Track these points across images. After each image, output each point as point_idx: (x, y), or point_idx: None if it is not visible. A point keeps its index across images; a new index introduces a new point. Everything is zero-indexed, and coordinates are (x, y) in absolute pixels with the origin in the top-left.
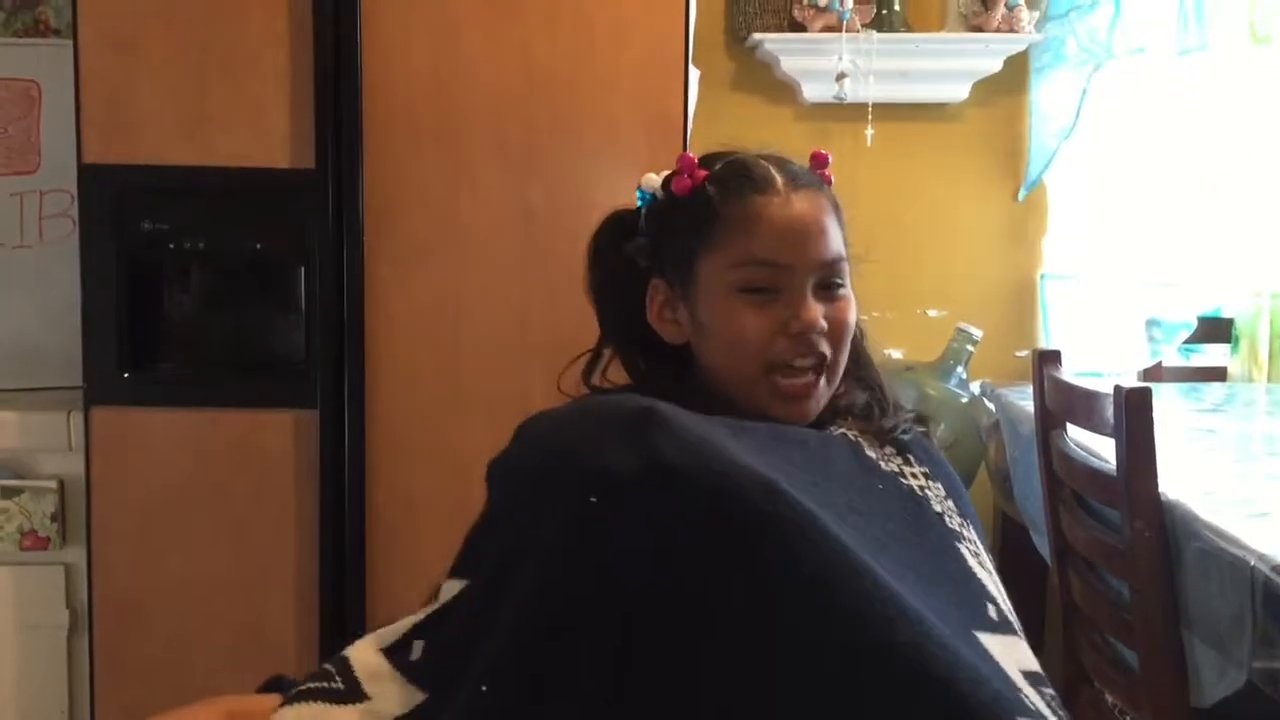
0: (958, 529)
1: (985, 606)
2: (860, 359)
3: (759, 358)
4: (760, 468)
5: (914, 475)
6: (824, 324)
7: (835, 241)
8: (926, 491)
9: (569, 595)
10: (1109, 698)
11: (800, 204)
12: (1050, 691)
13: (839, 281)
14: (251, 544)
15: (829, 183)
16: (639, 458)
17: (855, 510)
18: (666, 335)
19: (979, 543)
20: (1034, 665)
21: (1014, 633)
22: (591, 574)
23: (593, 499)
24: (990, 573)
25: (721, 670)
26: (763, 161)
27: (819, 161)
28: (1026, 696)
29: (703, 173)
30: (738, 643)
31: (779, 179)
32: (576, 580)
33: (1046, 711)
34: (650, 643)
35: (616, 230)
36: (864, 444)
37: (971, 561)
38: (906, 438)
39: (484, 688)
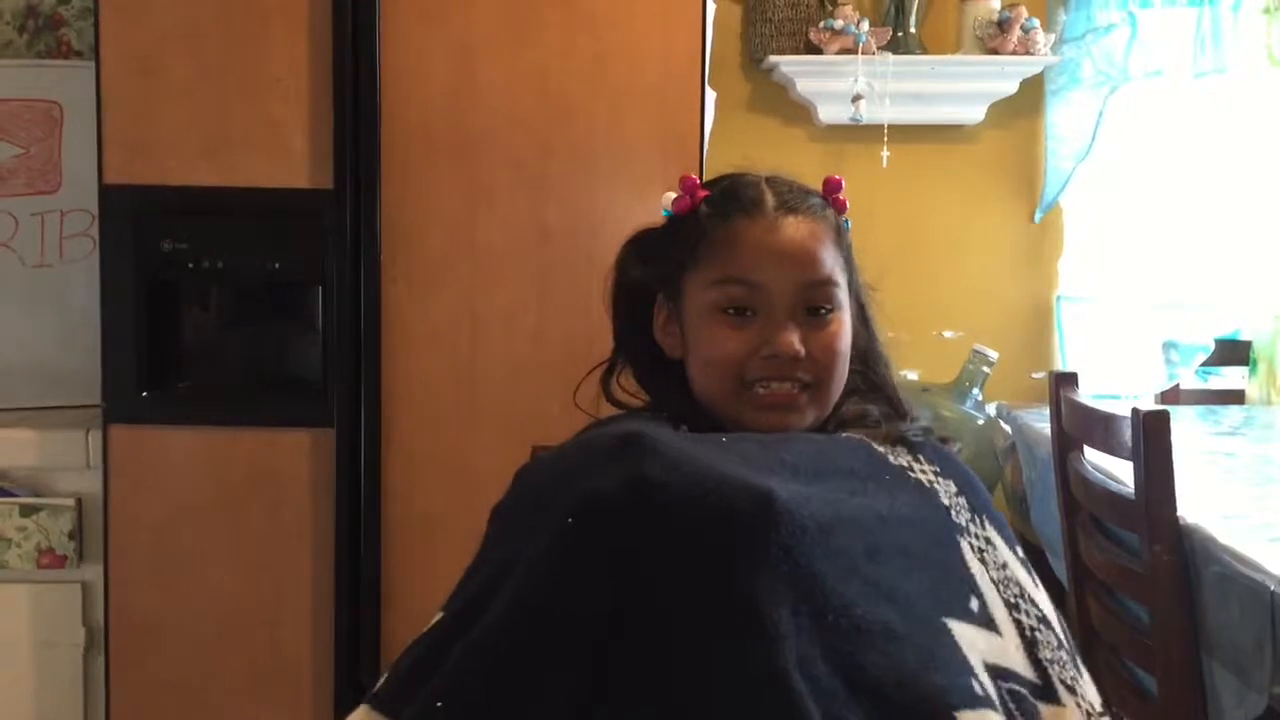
0: (964, 523)
1: (968, 598)
2: (875, 376)
3: (734, 375)
4: (749, 475)
5: (923, 471)
6: (801, 350)
7: (823, 266)
8: (935, 485)
9: (539, 609)
10: None
11: (787, 227)
12: (1014, 688)
13: (826, 307)
14: (268, 562)
15: (842, 208)
16: (621, 478)
17: (856, 494)
18: (668, 350)
19: (998, 541)
20: (1006, 663)
21: (993, 629)
22: (566, 586)
23: (570, 519)
24: (997, 568)
25: (694, 679)
26: (760, 183)
27: (831, 187)
28: (979, 685)
29: (703, 193)
30: (705, 653)
31: (770, 201)
32: (550, 593)
33: (996, 701)
34: (626, 652)
35: (634, 246)
36: (873, 442)
37: (969, 555)
38: (918, 440)
39: (439, 704)
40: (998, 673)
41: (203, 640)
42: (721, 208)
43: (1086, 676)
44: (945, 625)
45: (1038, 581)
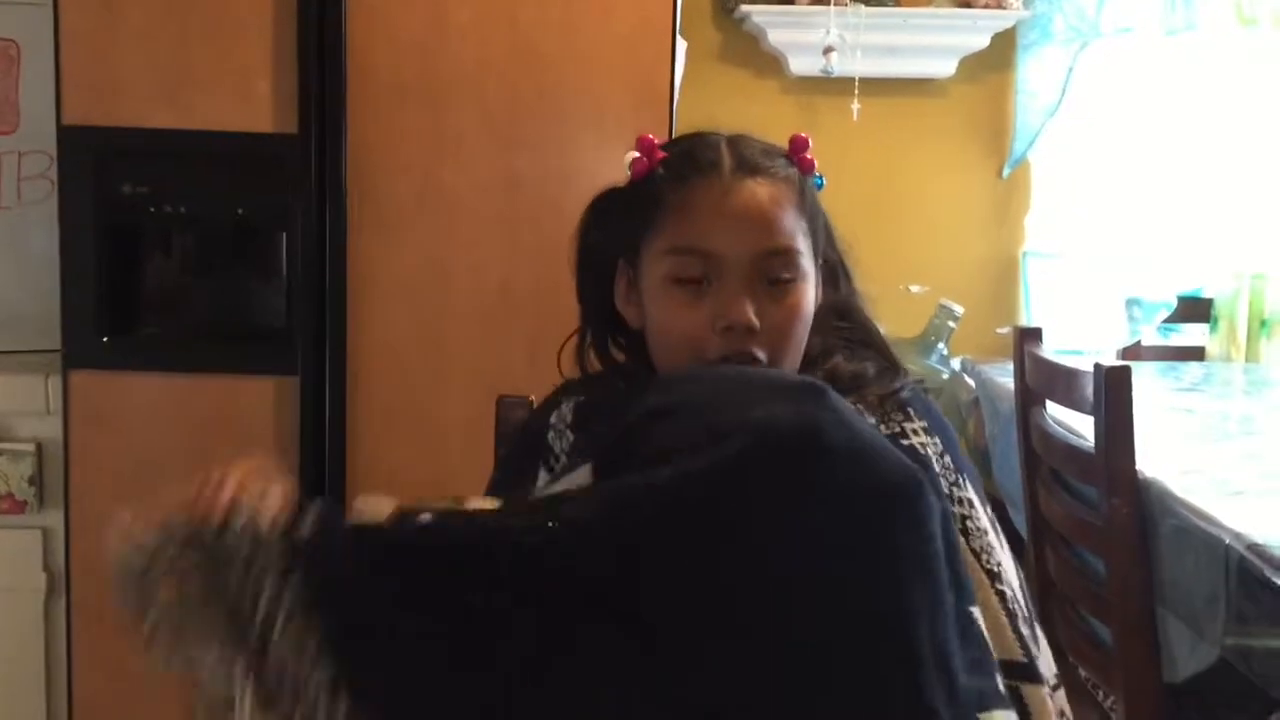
0: (949, 490)
1: (967, 581)
2: (864, 333)
3: (690, 350)
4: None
5: (915, 432)
6: (755, 321)
7: (782, 232)
8: (928, 450)
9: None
10: (1082, 673)
11: (743, 190)
12: (1008, 681)
13: (786, 276)
14: None
15: (808, 168)
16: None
17: None
18: (630, 319)
19: (976, 502)
20: (1001, 649)
21: (986, 611)
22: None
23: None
24: (979, 535)
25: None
26: (720, 144)
27: (797, 145)
28: (1000, 681)
29: (661, 155)
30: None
31: (727, 163)
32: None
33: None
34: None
35: (595, 208)
36: (862, 409)
37: (958, 531)
38: (907, 396)
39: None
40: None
41: None
42: (678, 170)
43: (1044, 643)
44: (970, 612)
45: (1003, 540)
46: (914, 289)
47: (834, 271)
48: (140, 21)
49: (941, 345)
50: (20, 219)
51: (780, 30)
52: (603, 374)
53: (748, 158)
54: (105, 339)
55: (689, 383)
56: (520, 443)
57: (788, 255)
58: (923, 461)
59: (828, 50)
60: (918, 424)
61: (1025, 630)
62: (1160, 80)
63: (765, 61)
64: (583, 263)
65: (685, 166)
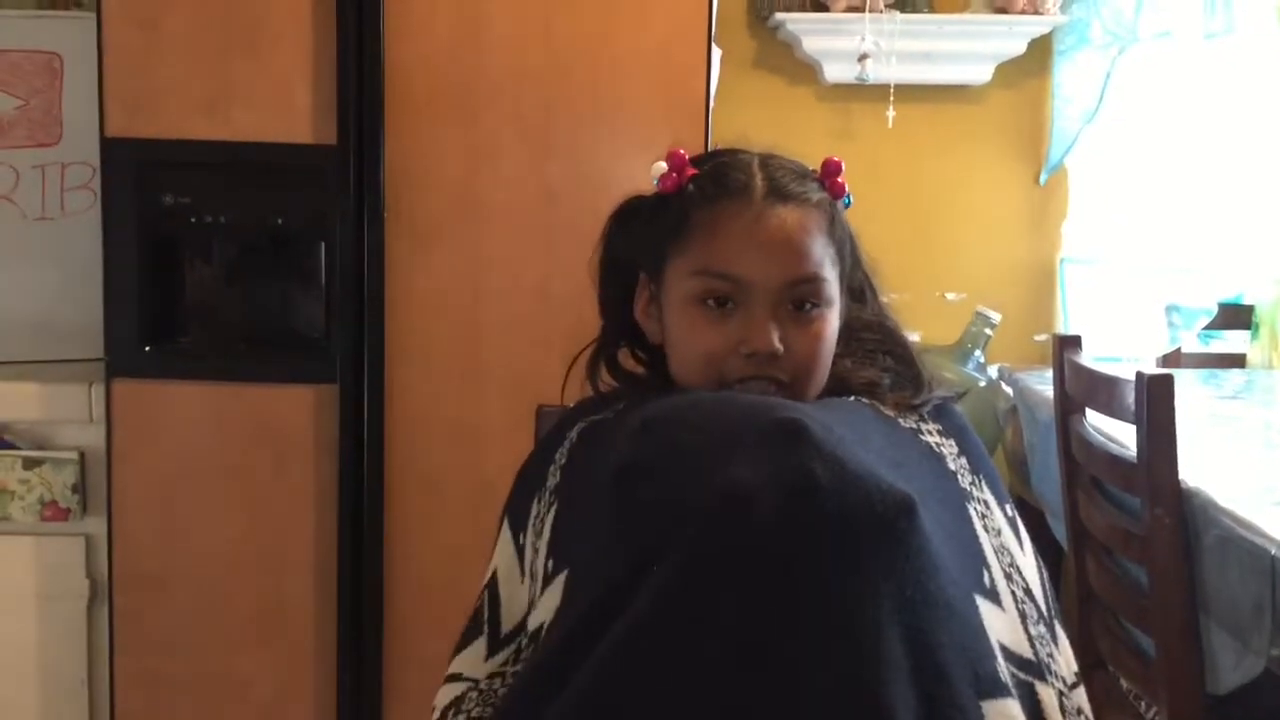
0: (968, 488)
1: (982, 572)
2: (898, 349)
3: (711, 371)
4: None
5: (929, 432)
6: (780, 348)
7: (810, 260)
8: (942, 449)
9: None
10: (1124, 683)
11: (774, 217)
12: (1015, 672)
13: (812, 302)
14: (270, 518)
15: (839, 192)
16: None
17: (897, 464)
18: (649, 334)
19: (993, 503)
20: (1014, 642)
21: (1000, 604)
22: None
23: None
24: (994, 535)
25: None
26: (752, 165)
27: (830, 169)
28: (1001, 671)
29: (692, 171)
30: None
31: (758, 187)
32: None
33: (1011, 686)
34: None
35: (620, 218)
36: (881, 405)
37: (978, 524)
38: (919, 404)
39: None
40: (1008, 655)
41: (205, 594)
42: (708, 191)
43: (1064, 641)
44: (975, 602)
45: (1024, 542)
46: (950, 296)
47: (860, 290)
48: (181, 34)
49: (978, 353)
50: (63, 230)
51: (815, 38)
52: (616, 391)
53: (779, 182)
54: (147, 348)
55: (669, 425)
56: (533, 460)
57: (815, 284)
58: (937, 458)
59: (863, 57)
60: (932, 426)
61: (1035, 630)
62: (1199, 84)
63: (800, 69)
64: (605, 272)
65: (715, 187)
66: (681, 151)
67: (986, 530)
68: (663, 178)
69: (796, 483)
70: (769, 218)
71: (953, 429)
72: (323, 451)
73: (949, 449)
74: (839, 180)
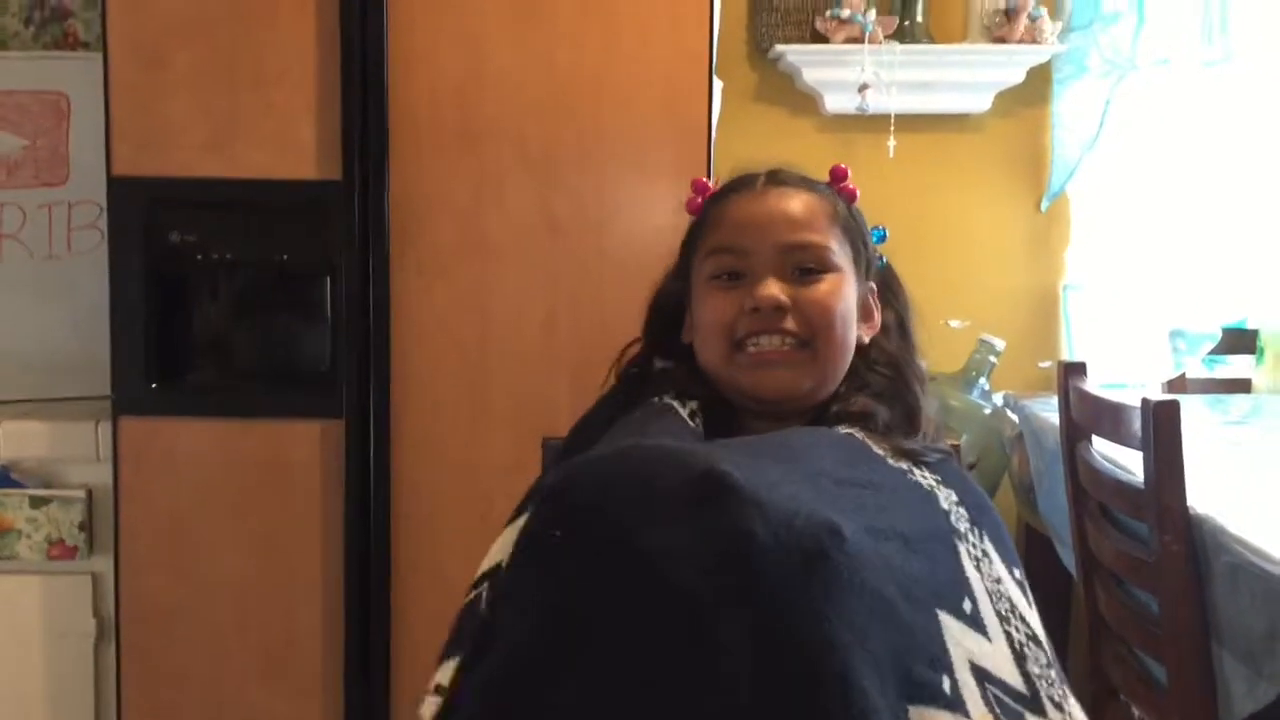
0: (960, 528)
1: (961, 598)
2: (902, 384)
3: (726, 336)
4: (817, 507)
5: (923, 476)
6: (782, 298)
7: (807, 228)
8: (935, 492)
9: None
10: (1136, 712)
11: (773, 194)
12: (998, 694)
13: (813, 267)
14: (278, 553)
15: (850, 196)
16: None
17: (863, 485)
18: (685, 336)
19: (995, 558)
20: (994, 667)
21: (983, 632)
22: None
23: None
24: (990, 580)
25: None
26: (758, 171)
27: (837, 175)
28: (950, 682)
29: (713, 191)
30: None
31: (760, 180)
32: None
33: (971, 702)
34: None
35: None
36: (870, 443)
37: (966, 560)
38: (917, 449)
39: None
40: (984, 675)
41: (213, 630)
42: (721, 191)
43: (1073, 700)
44: (937, 615)
45: (1032, 603)
46: (954, 324)
47: (901, 321)
48: (187, 73)
49: (983, 380)
50: (71, 268)
51: (815, 69)
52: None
53: (783, 175)
54: (154, 385)
55: (589, 489)
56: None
57: (814, 250)
58: (927, 495)
59: (863, 88)
60: (928, 474)
61: (1040, 671)
62: (1199, 111)
63: (800, 100)
64: (654, 308)
65: (726, 187)
66: (704, 180)
67: (979, 571)
68: (688, 201)
69: (721, 547)
70: (769, 196)
71: (953, 481)
72: (330, 486)
73: (945, 494)
74: (846, 185)
